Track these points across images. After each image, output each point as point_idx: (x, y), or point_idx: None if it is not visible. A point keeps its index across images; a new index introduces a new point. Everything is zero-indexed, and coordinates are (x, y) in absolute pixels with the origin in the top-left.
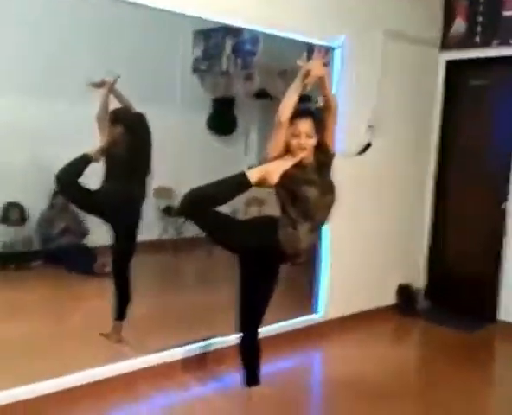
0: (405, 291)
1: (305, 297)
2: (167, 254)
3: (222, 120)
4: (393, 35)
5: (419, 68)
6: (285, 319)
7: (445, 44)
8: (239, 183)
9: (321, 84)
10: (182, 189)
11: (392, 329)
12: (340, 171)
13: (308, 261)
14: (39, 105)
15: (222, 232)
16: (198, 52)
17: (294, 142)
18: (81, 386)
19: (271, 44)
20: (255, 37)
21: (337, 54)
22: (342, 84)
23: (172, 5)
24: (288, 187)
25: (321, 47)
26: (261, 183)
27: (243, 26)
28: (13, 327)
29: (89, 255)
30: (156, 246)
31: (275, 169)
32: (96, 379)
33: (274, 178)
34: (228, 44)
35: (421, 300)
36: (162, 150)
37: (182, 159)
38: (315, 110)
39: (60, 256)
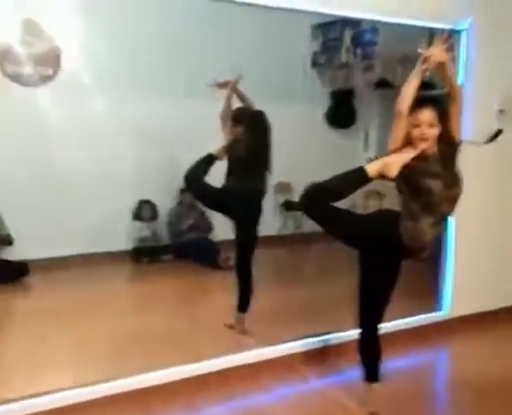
0: None
1: (429, 294)
2: (287, 249)
3: (341, 113)
4: None
5: None
6: (408, 316)
7: None
8: (358, 178)
9: (442, 70)
10: (300, 184)
11: None
12: (467, 160)
13: (432, 256)
14: (166, 107)
15: (342, 226)
16: (316, 46)
17: (415, 132)
18: (207, 374)
19: (392, 32)
20: (375, 27)
21: (464, 37)
22: (469, 67)
23: (285, 2)
24: (409, 180)
25: (443, 30)
26: (381, 177)
27: (360, 17)
28: (147, 316)
29: (214, 249)
30: (276, 241)
31: (394, 162)
32: (220, 368)
33: (394, 171)
34: (347, 36)
35: None
36: (280, 145)
37: (300, 154)
38: (438, 97)
39: (188, 250)
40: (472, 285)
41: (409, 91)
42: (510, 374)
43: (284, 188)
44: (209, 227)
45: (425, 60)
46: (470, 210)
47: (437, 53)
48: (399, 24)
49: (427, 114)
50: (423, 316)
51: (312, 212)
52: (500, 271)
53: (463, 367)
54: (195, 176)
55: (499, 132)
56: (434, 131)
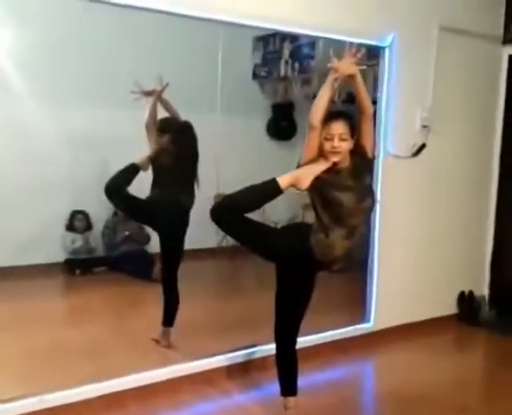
0: (466, 299)
1: (358, 306)
2: (226, 261)
3: (282, 125)
4: (449, 31)
5: (480, 65)
6: (337, 328)
7: (509, 38)
8: (269, 189)
9: (352, 83)
10: None
11: (451, 340)
12: (392, 174)
13: (359, 269)
14: (102, 116)
15: (254, 239)
16: (257, 58)
17: (327, 145)
18: (128, 390)
19: (328, 47)
20: (312, 41)
21: (386, 53)
22: (392, 84)
23: (201, 12)
24: (320, 192)
25: (352, 44)
26: (294, 188)
27: (285, 30)
28: (73, 330)
29: (148, 261)
30: (216, 253)
31: (306, 174)
32: (142, 384)
33: (305, 183)
34: (286, 49)
35: (485, 309)
36: (222, 155)
37: (241, 164)
38: (351, 112)
39: (122, 262)
40: (398, 297)
41: (321, 103)
42: (434, 384)
43: None
44: (146, 239)
45: (335, 71)
46: (395, 222)
47: (345, 65)
48: (337, 41)
49: (339, 128)
50: (350, 328)
51: (222, 224)
52: (431, 282)
53: (385, 379)
54: (117, 186)
55: (423, 146)
56: (346, 145)
